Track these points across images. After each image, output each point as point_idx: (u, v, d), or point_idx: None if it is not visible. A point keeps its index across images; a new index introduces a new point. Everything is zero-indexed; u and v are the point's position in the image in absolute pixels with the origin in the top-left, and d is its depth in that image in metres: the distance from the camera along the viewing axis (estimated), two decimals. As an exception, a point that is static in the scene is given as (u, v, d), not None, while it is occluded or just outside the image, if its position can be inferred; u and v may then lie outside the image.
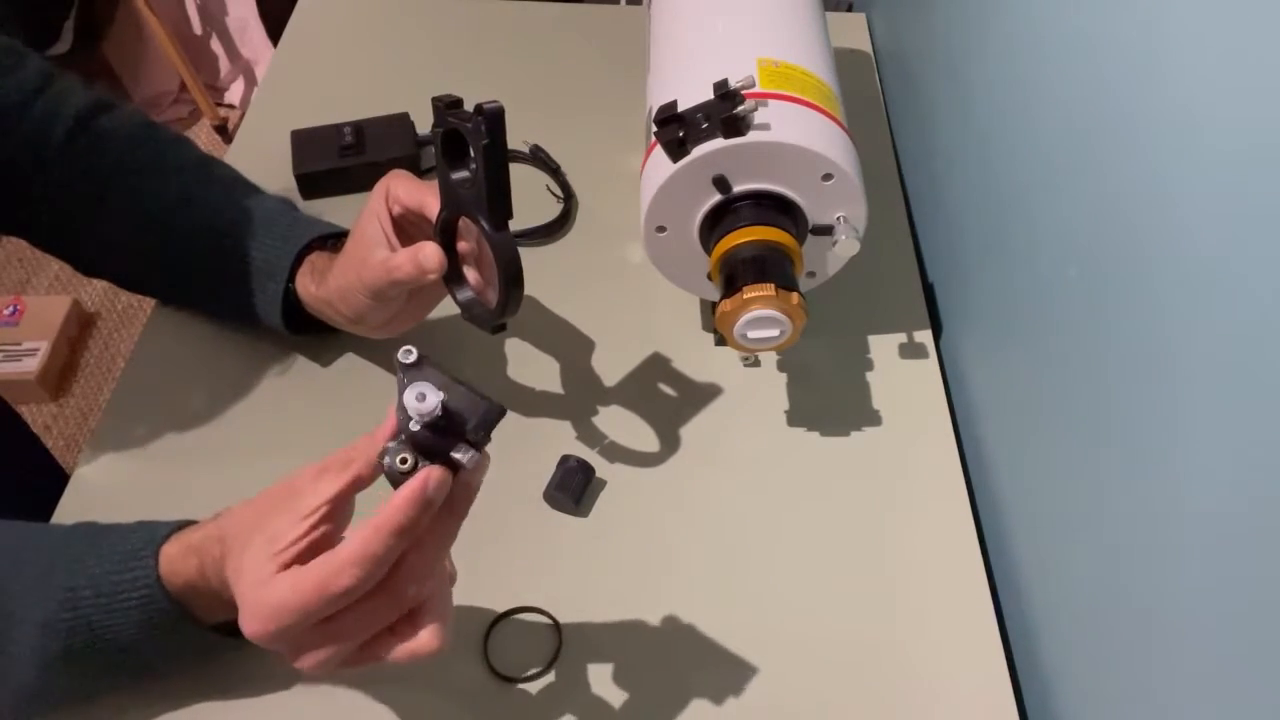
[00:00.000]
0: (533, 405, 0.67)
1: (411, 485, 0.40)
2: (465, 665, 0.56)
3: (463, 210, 0.53)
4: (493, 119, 0.48)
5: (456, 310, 0.58)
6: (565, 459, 0.62)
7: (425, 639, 0.42)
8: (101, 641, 0.47)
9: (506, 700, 0.55)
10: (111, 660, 0.48)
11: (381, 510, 0.40)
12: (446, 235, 0.55)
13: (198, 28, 1.93)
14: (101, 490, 0.62)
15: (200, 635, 0.49)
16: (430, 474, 0.40)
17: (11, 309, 1.62)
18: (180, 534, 0.48)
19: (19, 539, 0.50)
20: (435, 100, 0.51)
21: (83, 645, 0.47)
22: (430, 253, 0.54)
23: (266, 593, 0.40)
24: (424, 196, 0.57)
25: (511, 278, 0.53)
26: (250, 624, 0.41)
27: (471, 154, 0.50)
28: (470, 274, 0.58)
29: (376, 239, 0.57)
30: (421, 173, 0.82)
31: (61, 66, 0.64)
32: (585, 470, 0.62)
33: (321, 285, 0.61)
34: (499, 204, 0.51)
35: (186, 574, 0.46)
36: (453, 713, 0.54)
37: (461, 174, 0.52)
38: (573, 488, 0.61)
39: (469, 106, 0.51)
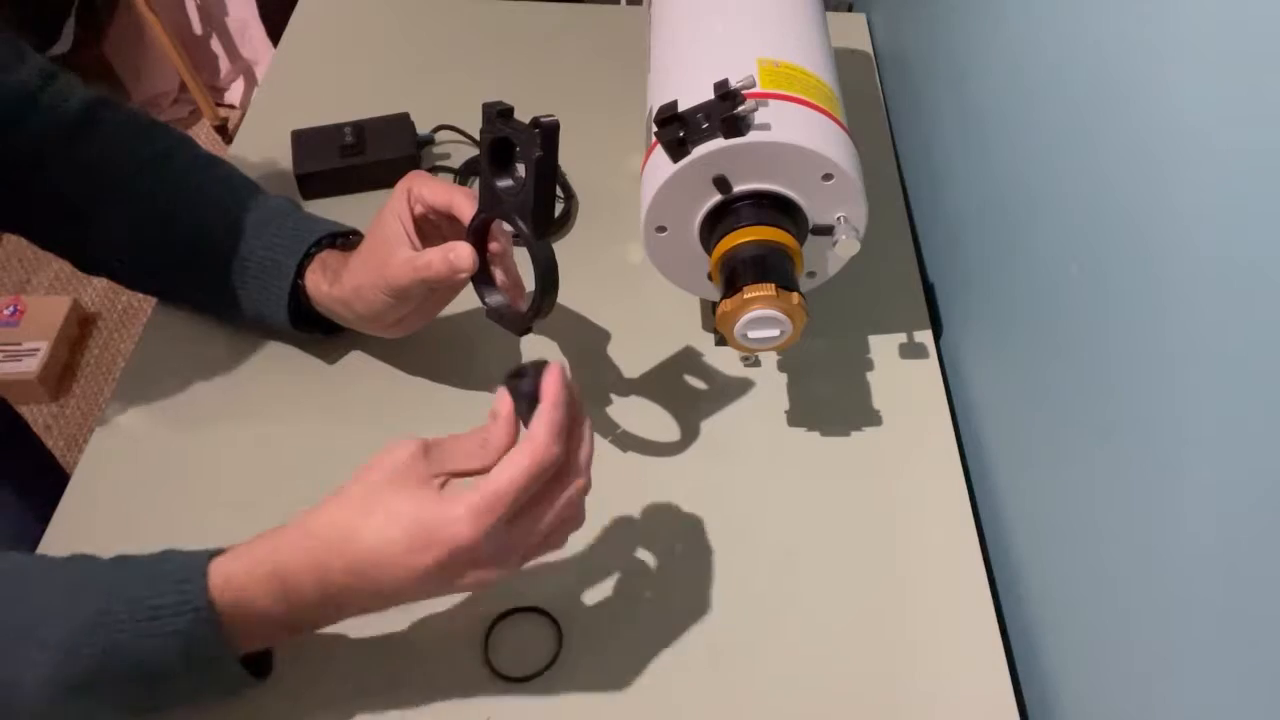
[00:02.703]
0: (533, 405, 0.67)
1: (552, 369, 0.47)
2: (465, 665, 0.56)
3: (501, 214, 0.54)
4: (548, 133, 0.50)
5: (460, 310, 0.58)
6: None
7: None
8: (126, 668, 0.45)
9: (506, 700, 0.55)
10: (129, 691, 0.46)
11: (544, 400, 0.46)
12: (479, 236, 0.56)
13: (198, 28, 1.93)
14: (103, 490, 0.62)
15: (234, 671, 0.48)
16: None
17: (11, 309, 1.62)
18: (241, 550, 0.47)
19: (41, 563, 0.49)
20: (486, 106, 0.52)
21: (102, 671, 0.45)
22: (464, 253, 0.55)
23: (471, 496, 0.44)
24: (453, 196, 0.57)
25: (549, 283, 0.54)
26: (468, 527, 0.44)
27: (519, 162, 0.52)
28: (499, 275, 0.58)
29: (398, 238, 0.57)
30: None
31: (61, 66, 0.64)
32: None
33: (336, 284, 0.61)
34: (544, 213, 0.53)
35: (257, 600, 0.46)
36: (453, 713, 0.54)
37: (506, 181, 0.53)
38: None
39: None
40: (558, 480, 0.47)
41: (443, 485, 0.46)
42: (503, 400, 0.48)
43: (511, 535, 0.46)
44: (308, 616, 0.48)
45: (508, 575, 0.47)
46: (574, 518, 0.49)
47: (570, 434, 0.48)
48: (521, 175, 0.52)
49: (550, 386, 0.47)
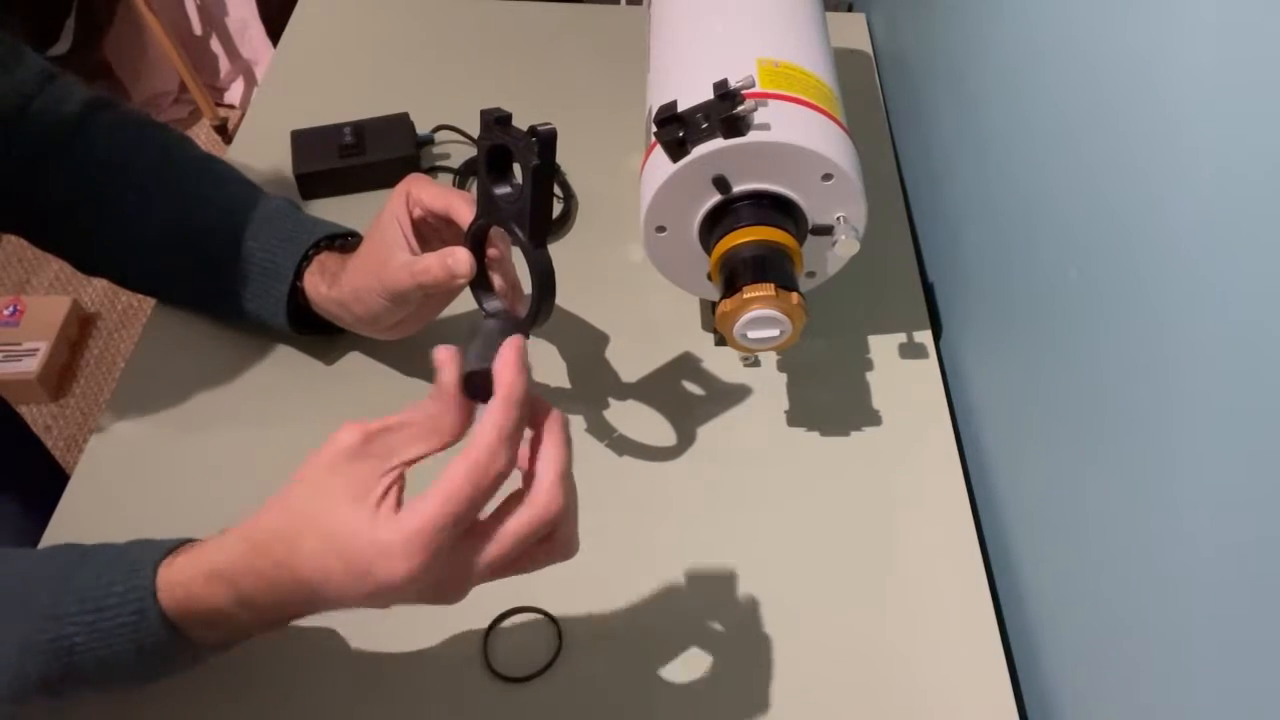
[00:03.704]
0: (533, 405, 0.67)
1: (508, 353, 0.41)
2: (465, 665, 0.56)
3: (499, 221, 0.54)
4: (546, 142, 0.49)
5: (459, 312, 0.58)
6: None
7: (563, 545, 0.43)
8: (86, 662, 0.44)
9: (506, 700, 0.55)
10: (94, 681, 0.45)
11: (496, 394, 0.41)
12: (477, 242, 0.56)
13: (198, 28, 1.93)
14: (102, 491, 0.62)
15: (195, 652, 0.46)
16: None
17: (11, 309, 1.62)
18: (194, 555, 0.44)
19: None
20: (484, 113, 0.52)
21: (64, 667, 0.44)
22: (462, 258, 0.54)
23: (405, 521, 0.39)
24: (451, 201, 0.57)
25: (546, 291, 0.54)
26: (402, 562, 0.39)
27: (517, 171, 0.52)
28: (497, 281, 0.58)
29: (396, 242, 0.57)
30: (422, 172, 0.82)
31: (61, 66, 0.64)
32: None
33: (334, 286, 0.60)
34: (540, 221, 0.52)
35: (211, 601, 0.43)
36: (453, 713, 0.54)
37: (504, 188, 0.53)
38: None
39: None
40: (511, 503, 0.42)
41: (394, 481, 0.41)
42: (448, 374, 0.42)
43: (453, 563, 0.41)
44: (272, 616, 0.45)
45: (458, 599, 0.42)
46: (553, 551, 0.43)
47: (533, 445, 0.42)
48: (519, 183, 0.52)
49: (505, 373, 0.40)
